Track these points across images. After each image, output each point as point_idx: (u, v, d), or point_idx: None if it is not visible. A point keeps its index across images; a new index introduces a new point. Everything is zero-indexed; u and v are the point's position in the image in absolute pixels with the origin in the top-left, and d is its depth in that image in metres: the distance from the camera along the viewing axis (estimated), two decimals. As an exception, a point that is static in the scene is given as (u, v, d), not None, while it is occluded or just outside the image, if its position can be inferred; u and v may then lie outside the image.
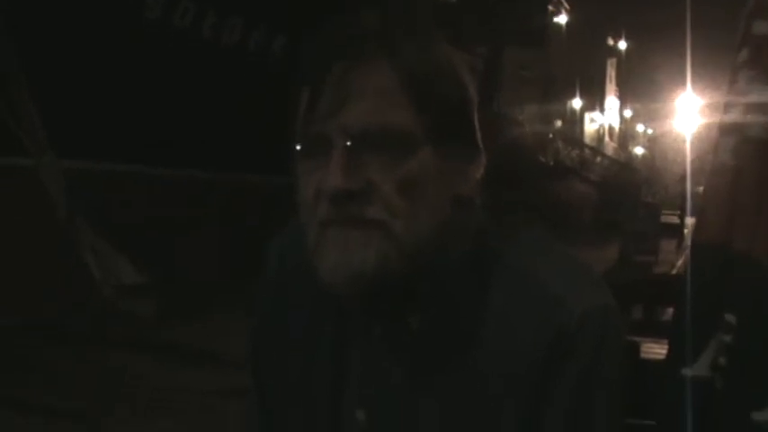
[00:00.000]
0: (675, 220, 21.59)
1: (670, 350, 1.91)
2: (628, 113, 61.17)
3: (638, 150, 65.47)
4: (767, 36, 1.86)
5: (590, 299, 1.02)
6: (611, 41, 54.67)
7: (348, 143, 0.98)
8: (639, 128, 65.24)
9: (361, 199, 0.98)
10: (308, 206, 1.02)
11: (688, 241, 2.02)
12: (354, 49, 1.00)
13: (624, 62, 56.93)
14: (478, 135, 1.06)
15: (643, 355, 2.41)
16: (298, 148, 1.03)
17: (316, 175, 1.01)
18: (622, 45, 56.61)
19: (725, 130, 1.92)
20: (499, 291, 1.03)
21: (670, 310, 2.47)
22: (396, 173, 0.99)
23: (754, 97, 1.84)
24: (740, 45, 1.92)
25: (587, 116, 50.70)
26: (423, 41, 1.03)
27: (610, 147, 54.46)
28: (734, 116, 1.89)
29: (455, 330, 1.03)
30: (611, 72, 55.44)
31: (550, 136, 34.13)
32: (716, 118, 1.98)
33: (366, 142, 0.98)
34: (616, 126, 58.25)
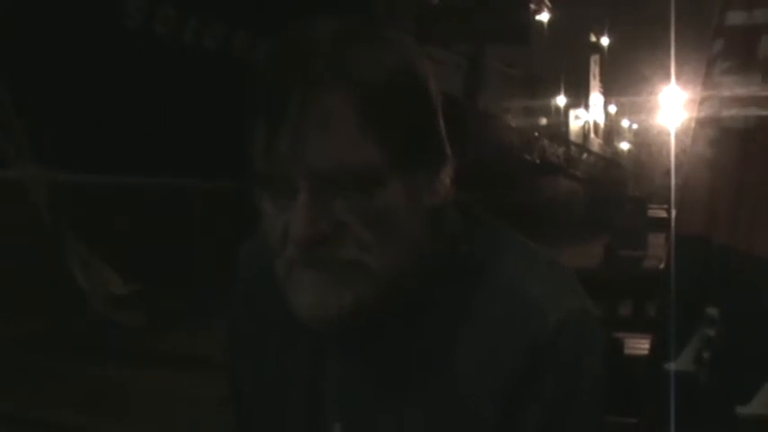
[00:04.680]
0: (663, 213, 21.58)
1: (654, 345, 1.90)
2: (612, 109, 61.29)
3: (624, 146, 65.61)
4: (741, 27, 1.86)
5: (568, 305, 1.00)
6: (593, 38, 54.77)
7: (313, 187, 0.93)
8: (624, 123, 65.40)
9: (333, 242, 0.94)
10: (274, 243, 0.98)
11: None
12: (309, 78, 0.92)
13: (607, 58, 57.04)
14: (445, 141, 1.01)
15: (629, 352, 2.40)
16: (258, 184, 0.97)
17: (281, 217, 0.96)
18: (605, 41, 56.73)
19: (702, 122, 1.91)
20: (477, 298, 1.01)
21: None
22: (366, 209, 0.94)
23: (728, 88, 1.84)
24: (714, 36, 1.91)
25: (572, 113, 50.69)
26: (380, 56, 0.94)
27: (595, 143, 54.56)
28: (710, 108, 1.88)
29: (433, 341, 1.01)
30: (594, 69, 55.50)
31: (536, 134, 34.18)
32: (695, 111, 1.97)
33: (332, 183, 0.93)
34: (601, 122, 58.35)
